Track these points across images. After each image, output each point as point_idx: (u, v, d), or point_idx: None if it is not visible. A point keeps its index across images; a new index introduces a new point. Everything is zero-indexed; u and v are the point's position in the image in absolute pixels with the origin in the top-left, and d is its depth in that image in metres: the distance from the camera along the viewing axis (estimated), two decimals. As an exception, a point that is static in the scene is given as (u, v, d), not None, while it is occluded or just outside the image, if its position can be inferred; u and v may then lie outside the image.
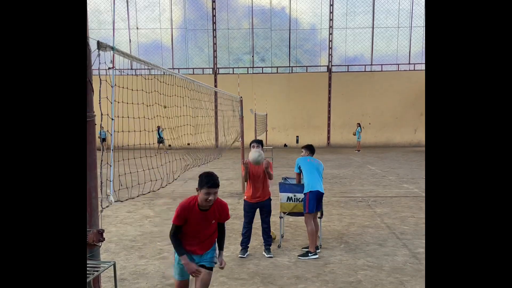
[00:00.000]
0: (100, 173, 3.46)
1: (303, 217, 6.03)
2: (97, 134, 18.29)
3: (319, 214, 6.04)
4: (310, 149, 6.13)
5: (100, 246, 3.34)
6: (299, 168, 5.93)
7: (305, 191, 5.78)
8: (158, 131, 20.32)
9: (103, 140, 18.02)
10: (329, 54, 25.69)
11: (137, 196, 5.12)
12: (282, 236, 6.42)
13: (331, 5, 25.24)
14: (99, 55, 3.23)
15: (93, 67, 3.20)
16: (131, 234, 6.84)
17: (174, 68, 25.20)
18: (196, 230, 3.60)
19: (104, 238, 3.34)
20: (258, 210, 5.82)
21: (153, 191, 5.91)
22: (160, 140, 20.45)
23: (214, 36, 25.88)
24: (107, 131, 3.70)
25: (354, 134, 23.38)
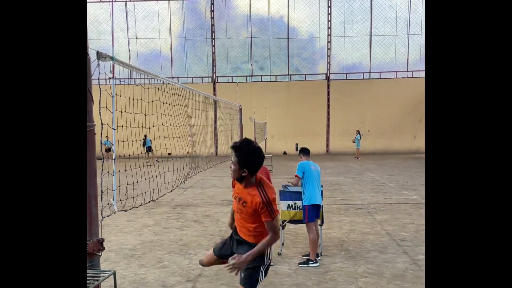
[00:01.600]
0: (101, 182, 3.48)
1: (303, 225, 6.02)
2: (104, 144, 18.29)
3: (319, 222, 6.04)
4: (307, 153, 6.07)
5: (100, 255, 3.35)
6: (303, 173, 5.79)
7: (304, 203, 5.74)
8: (146, 139, 20.33)
9: (108, 149, 18.04)
10: (328, 62, 25.81)
11: (140, 205, 5.13)
12: (283, 244, 6.41)
13: (329, 13, 25.43)
14: (98, 65, 3.26)
15: (92, 77, 3.23)
16: (131, 243, 6.83)
17: (174, 77, 25.29)
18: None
19: (104, 247, 3.34)
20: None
21: (153, 200, 5.92)
22: (149, 149, 20.51)
23: (213, 45, 26.03)
24: (109, 141, 3.73)
25: (353, 141, 23.40)
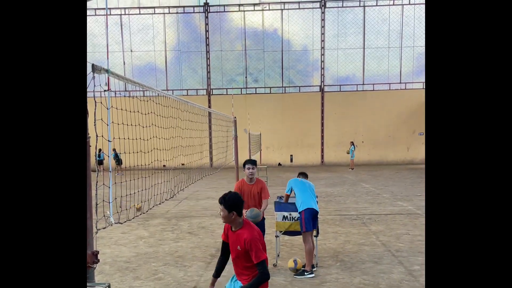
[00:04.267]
0: (96, 194, 3.48)
1: (298, 236, 6.02)
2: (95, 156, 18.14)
3: (314, 233, 6.04)
4: (304, 175, 6.38)
5: (95, 267, 3.34)
6: (291, 189, 6.05)
7: (299, 210, 5.78)
8: (115, 153, 20.29)
9: (100, 162, 17.92)
10: (321, 74, 26.03)
11: (137, 216, 5.11)
12: (278, 255, 6.40)
13: (322, 26, 25.73)
14: (93, 77, 3.29)
15: (88, 90, 3.25)
16: (125, 255, 6.78)
17: (168, 90, 25.36)
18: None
19: (98, 260, 3.33)
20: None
21: (150, 208, 5.90)
22: (118, 161, 20.41)
23: (208, 58, 26.19)
24: (104, 152, 3.74)
25: (348, 153, 23.49)
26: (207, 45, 26.07)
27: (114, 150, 20.06)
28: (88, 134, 3.25)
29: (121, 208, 4.68)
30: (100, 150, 18.43)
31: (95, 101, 3.30)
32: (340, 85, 26.22)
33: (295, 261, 5.77)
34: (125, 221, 4.47)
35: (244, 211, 5.47)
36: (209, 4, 25.85)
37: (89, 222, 3.31)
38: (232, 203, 3.26)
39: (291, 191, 6.05)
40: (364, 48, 25.90)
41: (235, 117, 10.96)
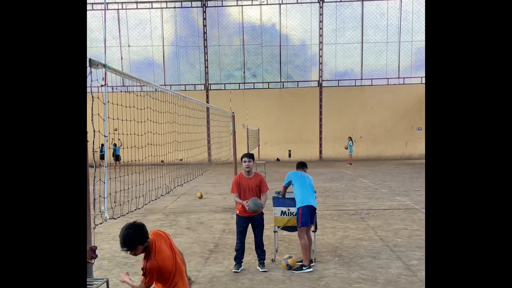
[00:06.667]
0: (93, 189, 3.47)
1: (297, 232, 6.02)
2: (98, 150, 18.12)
3: (313, 228, 6.04)
4: (304, 165, 6.32)
5: (93, 263, 3.33)
6: (290, 182, 6.00)
7: (298, 206, 5.77)
8: (115, 147, 20.15)
9: (103, 157, 17.90)
10: (320, 69, 25.98)
11: (134, 210, 5.10)
12: (276, 250, 6.41)
13: (321, 21, 25.65)
14: (91, 72, 3.27)
15: (85, 84, 3.23)
16: (123, 251, 6.77)
17: (166, 85, 25.28)
18: None
19: (97, 255, 3.33)
20: (250, 224, 5.80)
21: (145, 204, 5.89)
22: (117, 157, 20.26)
23: (206, 53, 26.10)
24: (104, 145, 3.73)
25: (346, 148, 23.51)
26: (205, 40, 25.98)
27: (115, 144, 20.01)
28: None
29: (116, 204, 4.67)
30: (102, 145, 18.46)
31: (93, 96, 3.28)
32: (338, 80, 26.19)
33: (285, 259, 5.82)
34: (118, 217, 4.45)
35: (245, 202, 5.54)
36: (207, -1, 25.75)
37: (87, 218, 3.31)
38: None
39: (289, 185, 6.02)
40: (362, 43, 25.85)
41: (233, 112, 10.94)
